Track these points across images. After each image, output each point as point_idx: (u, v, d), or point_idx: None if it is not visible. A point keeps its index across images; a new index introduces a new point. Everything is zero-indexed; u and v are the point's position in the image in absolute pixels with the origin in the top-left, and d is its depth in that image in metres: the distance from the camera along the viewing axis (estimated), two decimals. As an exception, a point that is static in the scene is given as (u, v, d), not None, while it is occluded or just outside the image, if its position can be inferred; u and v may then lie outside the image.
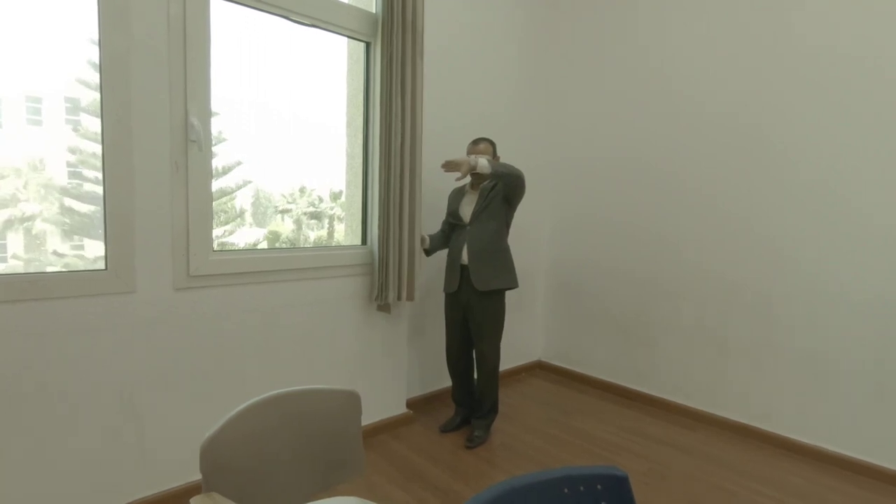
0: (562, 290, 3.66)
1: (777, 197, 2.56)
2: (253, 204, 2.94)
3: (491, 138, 2.61)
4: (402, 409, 2.77)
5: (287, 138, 2.81)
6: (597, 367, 3.44)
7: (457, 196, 2.63)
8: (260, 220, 2.96)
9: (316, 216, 3.20)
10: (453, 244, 2.58)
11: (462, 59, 3.01)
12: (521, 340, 3.67)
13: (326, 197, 3.22)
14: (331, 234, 3.32)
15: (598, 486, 0.85)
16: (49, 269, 2.11)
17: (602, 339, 3.40)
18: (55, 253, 2.19)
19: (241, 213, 2.87)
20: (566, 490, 0.84)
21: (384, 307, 2.52)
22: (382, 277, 2.43)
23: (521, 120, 3.47)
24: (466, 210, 2.55)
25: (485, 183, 2.50)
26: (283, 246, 2.96)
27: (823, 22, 2.39)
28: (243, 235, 2.90)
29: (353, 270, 2.47)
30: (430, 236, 2.65)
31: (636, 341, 3.20)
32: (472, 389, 2.72)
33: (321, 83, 2.76)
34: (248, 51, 2.41)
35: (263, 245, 2.91)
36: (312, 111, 2.86)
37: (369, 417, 2.60)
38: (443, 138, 2.86)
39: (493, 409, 2.65)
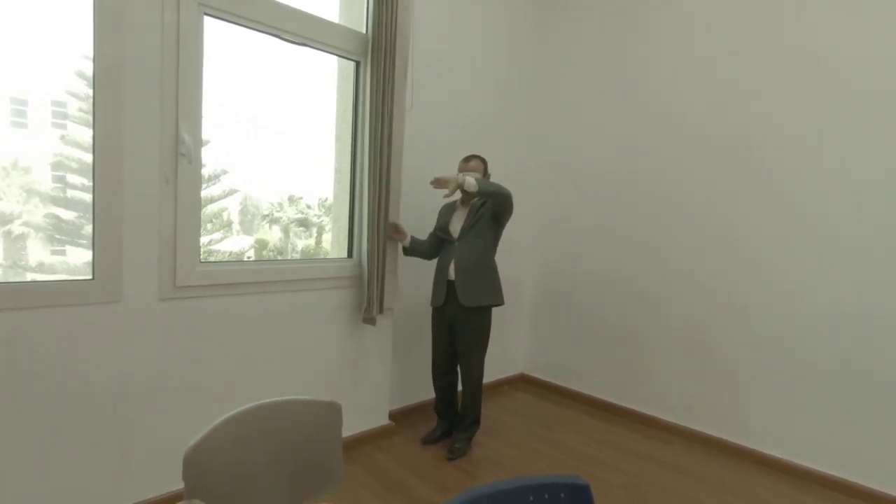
0: (545, 303, 3.72)
1: (760, 213, 2.63)
2: (240, 212, 2.96)
3: (482, 156, 2.65)
4: (384, 420, 2.79)
5: (276, 148, 2.85)
6: (579, 380, 3.49)
7: (447, 211, 2.68)
8: (247, 227, 2.97)
9: (304, 224, 3.22)
10: (441, 259, 2.62)
11: (449, 67, 3.07)
12: (505, 353, 3.72)
13: (315, 205, 3.25)
14: (318, 242, 3.34)
15: (562, 494, 0.90)
16: (29, 274, 2.11)
17: (584, 353, 3.46)
18: (38, 263, 2.19)
19: (229, 224, 2.89)
20: (531, 498, 0.89)
21: (369, 320, 2.56)
22: (372, 290, 2.48)
23: (508, 128, 3.54)
24: (456, 226, 2.59)
25: (474, 200, 2.54)
26: (271, 254, 2.97)
27: (801, 40, 2.50)
28: (231, 243, 2.91)
29: (339, 283, 2.51)
30: (415, 239, 2.65)
31: (617, 356, 3.26)
32: (455, 403, 2.76)
33: (312, 97, 2.81)
34: (240, 63, 2.45)
35: (251, 253, 2.93)
36: (302, 123, 2.91)
37: (352, 429, 2.62)
38: (429, 148, 2.92)
39: (476, 423, 2.69)
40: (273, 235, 3.15)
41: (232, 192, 2.71)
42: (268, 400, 1.23)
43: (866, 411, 2.32)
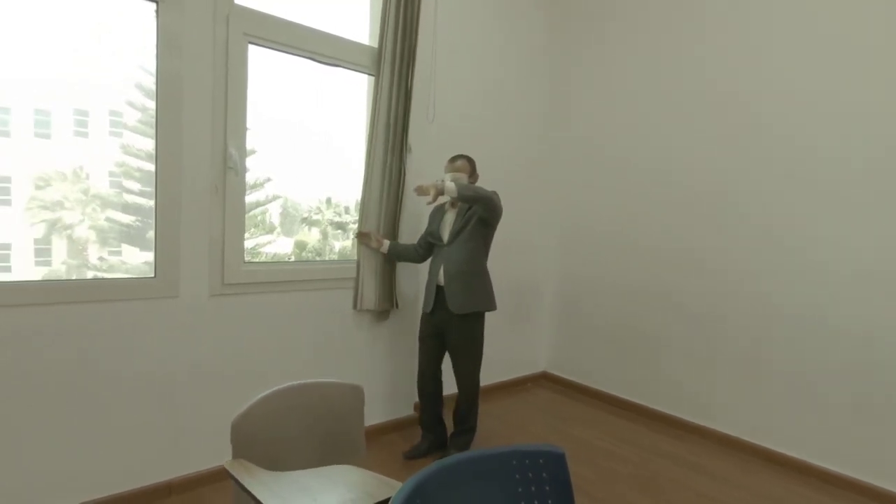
0: (567, 302, 3.83)
1: (790, 213, 2.65)
2: (281, 214, 3.15)
3: (469, 156, 2.61)
4: (409, 411, 2.99)
5: (315, 155, 3.05)
6: (599, 379, 3.60)
7: (437, 215, 2.64)
8: (288, 229, 3.17)
9: (341, 226, 3.37)
10: (432, 264, 2.59)
11: (467, 65, 3.20)
12: (527, 351, 3.86)
13: (352, 208, 3.45)
14: (355, 243, 3.53)
15: (540, 461, 1.07)
16: (89, 273, 2.38)
17: (604, 353, 3.56)
18: (101, 258, 2.44)
19: (273, 230, 3.10)
20: (514, 462, 1.06)
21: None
22: (356, 288, 2.67)
23: (528, 130, 3.66)
24: (446, 230, 2.55)
25: (462, 202, 2.48)
26: (310, 255, 3.18)
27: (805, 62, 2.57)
28: (272, 245, 3.13)
29: (368, 282, 2.72)
30: (396, 244, 2.66)
31: (635, 355, 3.35)
32: (441, 415, 2.68)
33: (348, 109, 3.03)
34: (283, 79, 2.67)
35: (291, 254, 3.14)
36: (339, 133, 3.11)
37: (379, 416, 2.83)
38: (450, 152, 3.07)
39: (472, 430, 2.65)
40: (312, 237, 3.32)
41: (275, 198, 2.91)
42: (301, 381, 1.45)
43: (879, 412, 2.35)
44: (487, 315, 2.60)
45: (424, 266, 2.78)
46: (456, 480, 1.00)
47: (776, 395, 2.68)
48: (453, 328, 2.49)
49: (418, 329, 2.67)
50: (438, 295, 2.50)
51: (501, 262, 3.46)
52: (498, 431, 2.93)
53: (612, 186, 3.50)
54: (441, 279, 2.48)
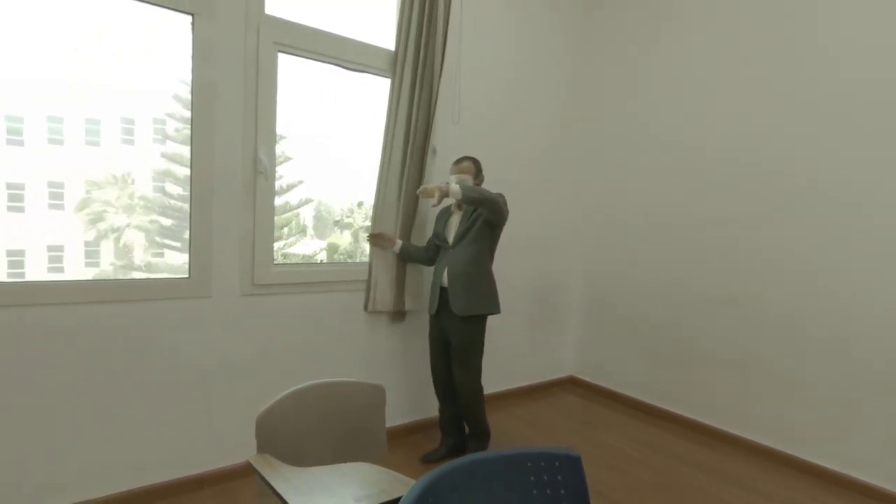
0: (596, 303, 3.77)
1: (815, 224, 2.58)
2: (314, 217, 3.23)
3: (475, 157, 2.60)
4: (434, 412, 3.01)
5: (346, 158, 3.12)
6: (626, 384, 3.53)
7: (443, 216, 2.64)
8: (321, 232, 3.25)
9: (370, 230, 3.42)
10: (436, 266, 2.58)
11: (489, 63, 3.18)
12: (553, 355, 3.82)
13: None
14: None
15: (556, 463, 1.07)
16: (134, 273, 2.49)
17: (632, 357, 3.49)
18: (146, 258, 2.55)
19: (304, 229, 3.18)
20: (529, 464, 1.06)
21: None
22: (368, 289, 2.68)
23: (554, 121, 3.60)
24: (451, 232, 2.55)
25: (466, 204, 2.46)
26: (341, 257, 3.25)
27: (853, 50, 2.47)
28: (305, 247, 3.21)
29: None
30: (408, 244, 2.67)
31: (665, 360, 3.28)
32: (460, 418, 2.67)
33: (378, 112, 3.08)
34: (313, 87, 2.74)
35: (323, 255, 3.22)
36: (371, 137, 3.17)
37: (404, 417, 2.87)
38: (473, 143, 3.04)
39: (483, 435, 2.61)
40: (344, 240, 3.40)
41: (307, 202, 2.98)
42: (324, 380, 1.49)
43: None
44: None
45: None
46: (469, 481, 1.01)
47: (818, 403, 2.57)
48: (455, 330, 2.48)
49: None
50: (442, 297, 2.50)
51: (525, 261, 3.48)
52: (521, 434, 2.92)
53: (646, 181, 3.41)
54: (445, 281, 2.48)
